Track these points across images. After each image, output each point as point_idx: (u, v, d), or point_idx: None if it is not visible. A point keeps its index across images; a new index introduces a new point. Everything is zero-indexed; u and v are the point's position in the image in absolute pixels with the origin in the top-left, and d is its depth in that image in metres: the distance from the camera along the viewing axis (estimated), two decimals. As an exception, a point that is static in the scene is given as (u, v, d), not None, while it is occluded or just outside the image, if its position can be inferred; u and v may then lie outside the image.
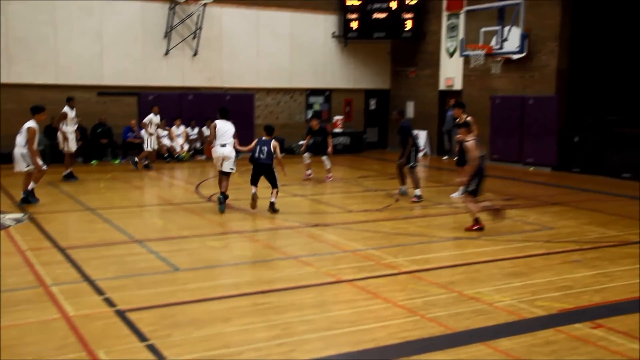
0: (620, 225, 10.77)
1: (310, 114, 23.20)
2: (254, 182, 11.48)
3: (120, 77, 19.83)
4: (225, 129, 11.86)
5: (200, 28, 20.39)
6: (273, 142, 11.51)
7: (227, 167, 11.88)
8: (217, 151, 11.82)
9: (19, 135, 12.09)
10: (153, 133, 17.75)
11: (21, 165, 11.98)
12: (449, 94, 21.60)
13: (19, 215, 10.96)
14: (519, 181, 15.95)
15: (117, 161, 19.18)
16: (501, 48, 16.16)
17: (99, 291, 6.91)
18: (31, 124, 12.06)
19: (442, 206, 12.54)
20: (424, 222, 11.02)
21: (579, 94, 18.35)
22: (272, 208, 11.48)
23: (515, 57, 17.60)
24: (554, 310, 6.47)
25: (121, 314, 6.21)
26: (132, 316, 6.15)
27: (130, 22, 19.81)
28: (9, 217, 10.71)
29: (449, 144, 21.35)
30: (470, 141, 10.24)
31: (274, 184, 11.56)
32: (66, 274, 7.60)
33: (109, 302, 6.55)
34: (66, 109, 15.35)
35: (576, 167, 17.52)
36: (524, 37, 16.01)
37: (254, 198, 11.33)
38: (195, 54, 20.74)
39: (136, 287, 7.11)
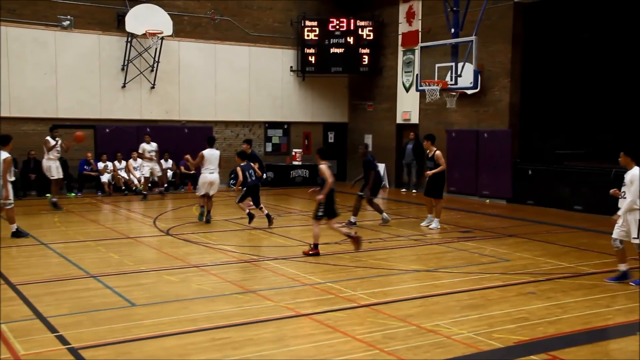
0: (573, 256, 11.03)
1: (269, 146, 23.32)
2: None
3: (76, 110, 19.60)
4: (212, 157, 13.91)
5: (157, 61, 20.36)
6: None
7: (214, 191, 14.03)
8: (206, 177, 13.84)
9: None
10: (153, 159, 18.59)
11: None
12: (406, 127, 21.96)
13: (-32, 250, 10.63)
14: (476, 213, 16.21)
15: (72, 194, 18.83)
16: (455, 83, 16.50)
17: (52, 329, 6.73)
18: (5, 154, 11.68)
19: (401, 238, 12.64)
20: (382, 254, 11.09)
21: (531, 128, 18.89)
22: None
23: (470, 92, 18.03)
24: (511, 342, 6.55)
25: (75, 352, 6.05)
26: (86, 354, 6.00)
27: (87, 55, 19.67)
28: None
29: (407, 177, 21.66)
30: (322, 165, 11.03)
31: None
32: (17, 311, 7.39)
33: (62, 340, 6.38)
34: (48, 138, 15.92)
35: (530, 200, 17.93)
36: (477, 73, 16.41)
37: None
38: (153, 87, 20.67)
39: (91, 324, 6.94)
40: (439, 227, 13.69)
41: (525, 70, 18.67)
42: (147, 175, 18.71)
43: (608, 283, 9.04)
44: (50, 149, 15.75)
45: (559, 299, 8.25)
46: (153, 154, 18.66)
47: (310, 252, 10.77)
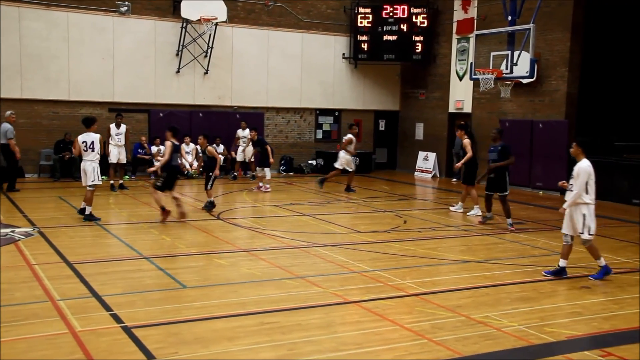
0: (630, 251, 10.70)
1: (320, 133, 23.33)
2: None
3: (131, 94, 20.01)
4: None
5: (211, 47, 20.57)
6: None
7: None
8: None
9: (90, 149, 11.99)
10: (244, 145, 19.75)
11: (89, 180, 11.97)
12: (458, 116, 21.64)
13: (28, 229, 11.01)
14: (528, 205, 15.88)
15: (126, 177, 19.25)
16: (511, 72, 16.16)
17: (107, 307, 6.92)
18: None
19: (451, 228, 12.50)
20: (432, 244, 10.98)
21: (589, 119, 18.35)
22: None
23: (525, 81, 17.62)
24: (563, 337, 6.41)
25: (128, 331, 6.20)
26: (139, 333, 6.14)
27: (143, 40, 20.02)
28: (18, 231, 10.76)
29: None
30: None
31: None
32: (74, 289, 7.62)
33: (116, 318, 6.54)
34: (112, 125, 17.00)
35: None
36: (533, 62, 16.03)
37: None
38: (206, 73, 20.91)
39: (143, 304, 7.10)
40: (479, 213, 13.73)
41: (585, 60, 18.12)
42: (240, 159, 20.02)
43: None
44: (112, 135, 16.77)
45: (615, 294, 8.02)
46: (246, 140, 19.58)
47: (164, 216, 11.92)
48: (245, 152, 19.92)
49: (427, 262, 9.57)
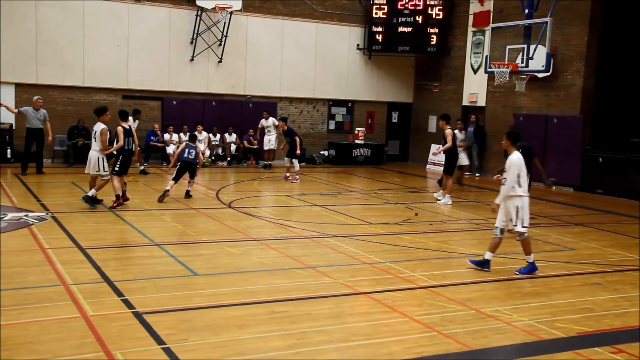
0: (643, 249, 10.62)
1: (332, 124, 23.31)
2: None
3: (145, 81, 20.06)
4: None
5: (226, 35, 20.56)
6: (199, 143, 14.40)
7: None
8: None
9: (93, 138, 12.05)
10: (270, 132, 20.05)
11: (93, 169, 11.98)
12: (472, 109, 21.53)
13: (42, 213, 11.10)
14: (541, 200, 15.80)
15: (137, 164, 19.31)
16: (526, 66, 16.05)
17: (118, 292, 6.96)
18: (102, 125, 11.94)
19: (462, 222, 12.46)
20: (443, 237, 10.96)
21: (604, 114, 18.18)
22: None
23: (541, 75, 17.49)
24: (574, 333, 6.39)
25: (139, 316, 6.24)
26: (150, 319, 6.18)
27: (158, 28, 20.04)
28: (32, 216, 10.85)
29: (469, 159, 21.27)
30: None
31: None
32: (86, 273, 7.67)
33: (128, 304, 6.59)
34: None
35: (599, 189, 17.34)
36: (549, 56, 15.91)
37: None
38: (220, 61, 20.91)
39: (154, 290, 7.14)
40: (449, 203, 14.32)
41: (602, 55, 17.95)
42: (267, 148, 20.18)
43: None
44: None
45: (627, 291, 7.98)
46: (270, 129, 19.95)
47: (114, 205, 11.84)
48: (270, 140, 20.08)
49: (438, 255, 9.56)
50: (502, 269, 8.89)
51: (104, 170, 12.01)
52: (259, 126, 20.23)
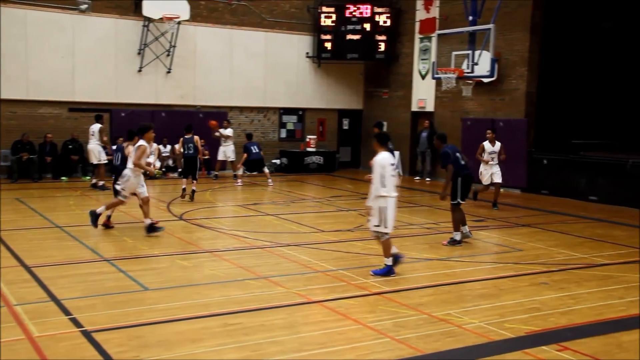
0: (587, 247, 10.95)
1: (284, 132, 23.33)
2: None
3: (92, 93, 19.69)
4: None
5: (174, 46, 20.37)
6: (195, 137, 15.03)
7: None
8: None
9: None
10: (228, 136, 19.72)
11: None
12: (421, 114, 21.85)
13: (-16, 232, 10.76)
14: (489, 202, 16.12)
15: (87, 178, 18.96)
16: (472, 71, 16.39)
17: (66, 311, 6.81)
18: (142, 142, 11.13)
19: (413, 227, 12.62)
20: (395, 243, 11.03)
21: (548, 117, 18.72)
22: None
23: (486, 80, 17.89)
24: (522, 333, 6.54)
25: (87, 335, 6.11)
26: (99, 337, 6.06)
27: (104, 39, 19.72)
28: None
29: (421, 165, 21.61)
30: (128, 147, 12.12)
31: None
32: (32, 293, 7.47)
33: (76, 323, 6.45)
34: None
35: (545, 189, 17.81)
36: (494, 61, 16.29)
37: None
38: (169, 72, 20.70)
39: (104, 307, 7.01)
40: None
41: (544, 60, 18.47)
42: (222, 158, 19.99)
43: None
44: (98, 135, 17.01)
45: (572, 289, 8.21)
46: (230, 138, 19.83)
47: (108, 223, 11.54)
48: (225, 151, 19.82)
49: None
50: (452, 272, 9.04)
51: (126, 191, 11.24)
52: (218, 134, 19.52)
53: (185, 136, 15.01)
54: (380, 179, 8.44)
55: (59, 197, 15.44)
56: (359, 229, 12.11)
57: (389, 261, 8.67)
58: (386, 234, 8.58)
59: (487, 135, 15.26)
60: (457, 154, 10.92)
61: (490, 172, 15.19)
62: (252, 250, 10.15)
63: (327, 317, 6.91)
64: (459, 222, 10.84)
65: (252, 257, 9.75)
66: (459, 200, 10.86)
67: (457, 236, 10.77)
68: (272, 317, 6.85)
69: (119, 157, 12.98)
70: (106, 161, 17.01)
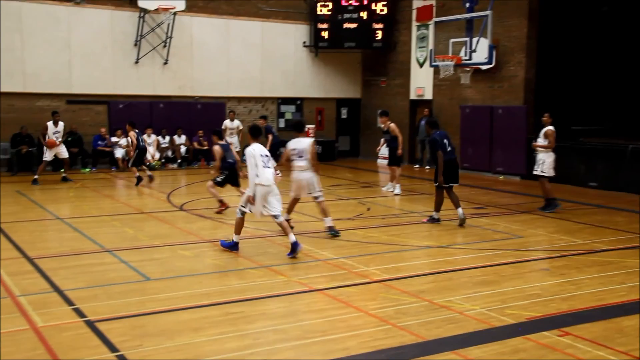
0: (587, 233, 10.98)
1: (282, 122, 23.30)
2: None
3: (90, 85, 19.64)
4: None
5: (170, 37, 20.30)
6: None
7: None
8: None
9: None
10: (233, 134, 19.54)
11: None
12: (420, 103, 21.82)
13: (-15, 225, 10.77)
14: (489, 190, 16.16)
15: (87, 170, 18.97)
16: (470, 59, 16.37)
17: (69, 301, 6.83)
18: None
19: (414, 215, 12.64)
20: (395, 230, 11.10)
21: (547, 104, 18.61)
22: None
23: (484, 67, 17.85)
24: (523, 319, 6.56)
25: (91, 325, 6.14)
26: (102, 326, 6.08)
27: (100, 31, 19.65)
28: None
29: (421, 153, 21.60)
30: (216, 146, 12.28)
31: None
32: (34, 284, 7.50)
33: (79, 313, 6.47)
34: (49, 123, 16.32)
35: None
36: (491, 48, 16.25)
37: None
38: (165, 63, 20.64)
39: (106, 297, 7.03)
40: (399, 192, 15.03)
41: (541, 46, 18.43)
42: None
43: (621, 260, 8.97)
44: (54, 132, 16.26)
45: (573, 275, 8.23)
46: (234, 131, 19.58)
47: (221, 209, 12.15)
48: (232, 144, 19.59)
49: (391, 249, 9.67)
50: (453, 260, 9.06)
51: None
52: (223, 127, 18.91)
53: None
54: (254, 168, 8.79)
55: (59, 189, 15.43)
56: (359, 218, 12.13)
57: (237, 238, 9.16)
58: (244, 212, 9.06)
59: (544, 120, 13.63)
60: (445, 140, 11.57)
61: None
62: (253, 240, 10.15)
63: (329, 305, 6.93)
64: (439, 204, 11.64)
65: (253, 246, 9.76)
66: (440, 183, 11.49)
67: (435, 215, 11.64)
68: (274, 306, 6.88)
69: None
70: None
